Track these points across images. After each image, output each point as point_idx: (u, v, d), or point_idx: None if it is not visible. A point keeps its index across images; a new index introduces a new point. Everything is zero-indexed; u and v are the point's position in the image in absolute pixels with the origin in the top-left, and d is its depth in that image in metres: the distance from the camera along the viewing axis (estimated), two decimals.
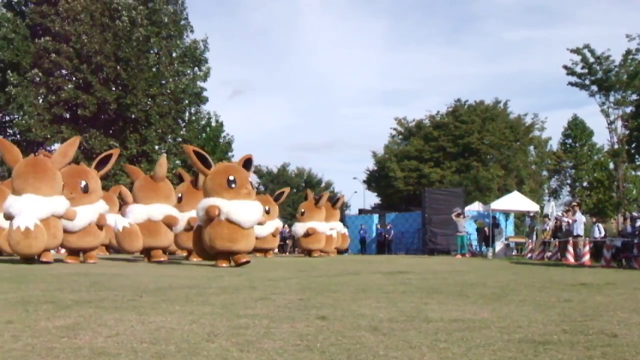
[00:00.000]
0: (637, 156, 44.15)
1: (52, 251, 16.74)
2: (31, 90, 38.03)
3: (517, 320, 5.59)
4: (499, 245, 30.41)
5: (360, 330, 4.92)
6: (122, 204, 22.81)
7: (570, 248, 22.15)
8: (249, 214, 15.48)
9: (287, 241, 39.48)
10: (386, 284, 9.74)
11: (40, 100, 38.85)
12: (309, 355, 3.93)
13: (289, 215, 52.10)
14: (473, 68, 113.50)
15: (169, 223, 18.44)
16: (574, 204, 27.70)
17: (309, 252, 27.06)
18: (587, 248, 21.16)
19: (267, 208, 24.04)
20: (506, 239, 31.53)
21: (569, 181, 61.84)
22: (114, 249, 24.54)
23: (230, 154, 45.68)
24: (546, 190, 59.27)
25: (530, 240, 28.18)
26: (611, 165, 50.00)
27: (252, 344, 4.28)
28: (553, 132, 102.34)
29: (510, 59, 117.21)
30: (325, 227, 27.33)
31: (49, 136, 37.60)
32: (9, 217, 14.90)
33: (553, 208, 29.61)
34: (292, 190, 33.69)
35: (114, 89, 39.11)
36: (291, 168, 72.84)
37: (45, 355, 3.82)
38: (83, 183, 16.39)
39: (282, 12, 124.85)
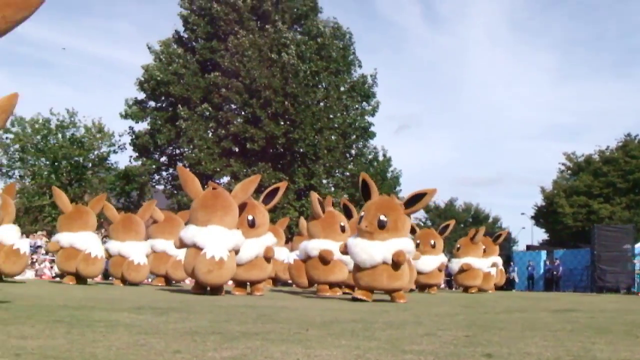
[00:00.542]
0: None
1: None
2: (201, 124, 38.86)
3: None
4: None
5: None
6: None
7: None
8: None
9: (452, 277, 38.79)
10: (553, 322, 9.38)
11: (210, 134, 39.65)
12: None
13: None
14: None
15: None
16: None
17: (465, 289, 26.45)
18: None
19: (432, 242, 23.62)
20: None
21: None
22: (282, 281, 24.84)
23: (397, 188, 45.37)
24: None
25: None
26: None
27: None
28: None
29: None
30: (483, 263, 26.62)
31: (218, 169, 38.26)
32: (186, 246, 15.20)
33: None
34: (460, 225, 32.95)
35: (282, 123, 39.24)
36: (458, 203, 72.22)
37: None
38: (250, 217, 16.56)
39: (449, 47, 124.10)
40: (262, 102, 38.51)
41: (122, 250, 19.70)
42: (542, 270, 39.27)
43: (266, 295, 16.72)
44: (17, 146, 39.05)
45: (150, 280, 21.84)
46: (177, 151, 42.65)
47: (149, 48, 41.84)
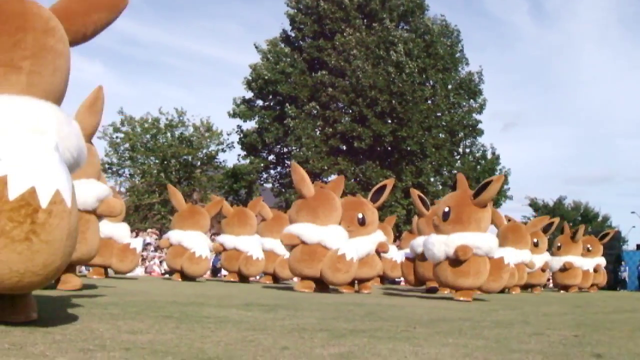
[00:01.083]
0: None
1: None
2: (308, 122, 39.16)
3: None
4: None
5: None
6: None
7: None
8: None
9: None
10: None
11: (317, 133, 39.89)
12: None
13: None
14: None
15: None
16: None
17: (564, 288, 25.77)
18: None
19: (535, 240, 23.08)
20: None
21: None
22: (389, 279, 24.76)
23: (506, 186, 44.48)
24: None
25: None
26: None
27: None
28: None
29: None
30: (585, 262, 25.89)
31: (325, 167, 38.38)
32: (307, 243, 15.11)
33: None
34: (569, 224, 32.26)
35: (389, 121, 39.22)
36: (567, 201, 70.36)
37: None
38: (360, 215, 16.49)
39: (557, 44, 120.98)
40: (369, 102, 38.46)
41: (238, 244, 19.79)
42: None
43: (374, 293, 16.67)
44: (127, 145, 39.93)
45: (258, 277, 22.00)
46: (285, 150, 42.97)
47: (257, 47, 42.45)
